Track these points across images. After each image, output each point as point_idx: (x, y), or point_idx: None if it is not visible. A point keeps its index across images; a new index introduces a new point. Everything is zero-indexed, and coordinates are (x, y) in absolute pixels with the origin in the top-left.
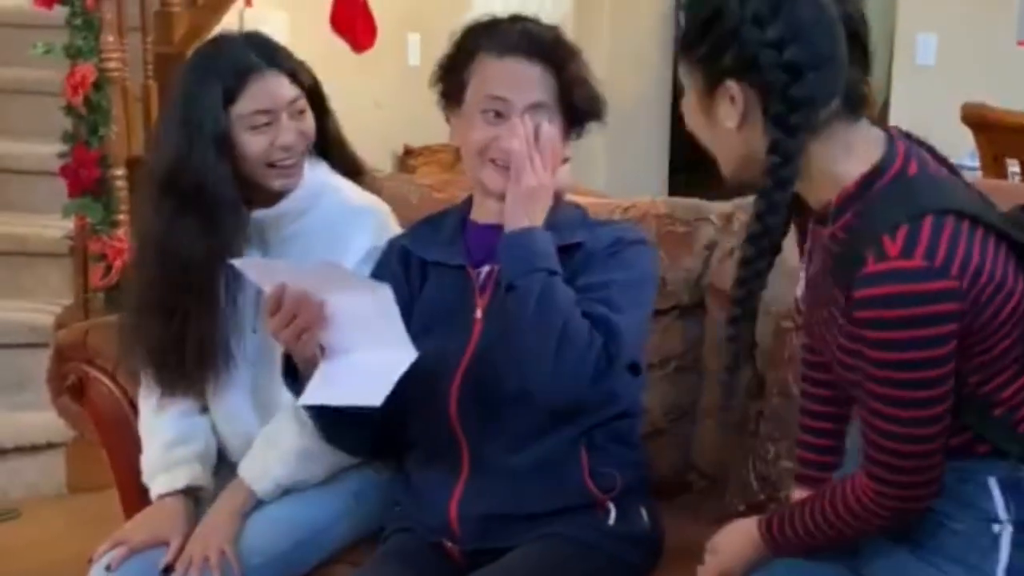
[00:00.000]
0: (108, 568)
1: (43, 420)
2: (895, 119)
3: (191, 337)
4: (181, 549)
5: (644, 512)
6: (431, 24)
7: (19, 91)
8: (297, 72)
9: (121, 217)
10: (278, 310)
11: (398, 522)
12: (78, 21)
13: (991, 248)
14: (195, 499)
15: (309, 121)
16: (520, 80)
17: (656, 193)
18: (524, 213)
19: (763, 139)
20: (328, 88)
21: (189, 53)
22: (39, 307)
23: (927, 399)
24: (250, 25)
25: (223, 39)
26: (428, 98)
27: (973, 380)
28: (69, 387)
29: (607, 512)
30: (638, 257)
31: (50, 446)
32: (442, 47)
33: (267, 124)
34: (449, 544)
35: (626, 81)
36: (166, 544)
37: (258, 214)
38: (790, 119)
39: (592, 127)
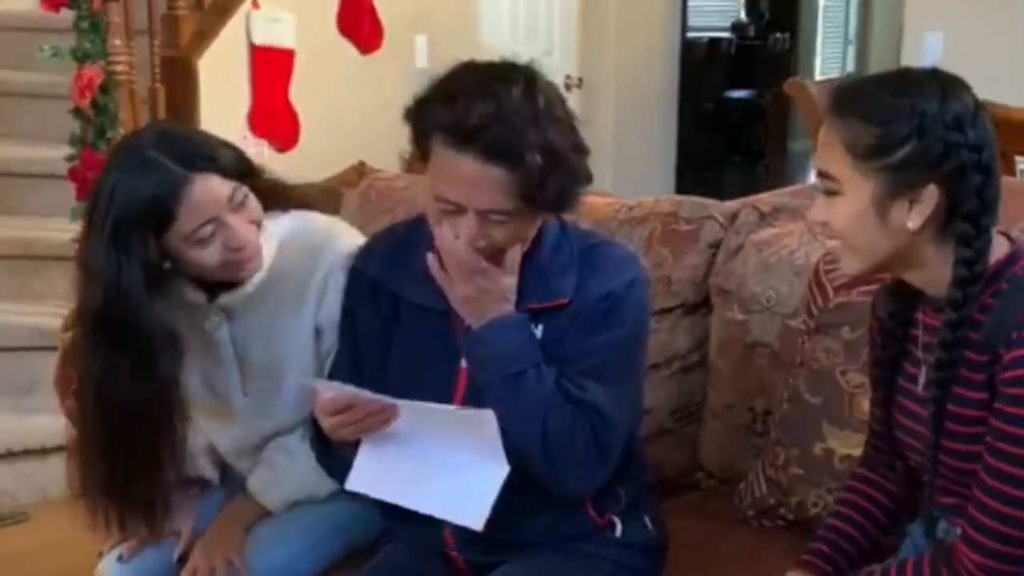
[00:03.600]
0: (120, 559)
1: (51, 423)
2: None
3: (137, 480)
4: (191, 539)
5: (648, 520)
6: (439, 26)
7: (26, 95)
8: (221, 162)
9: None
10: (339, 412)
11: (395, 533)
12: (85, 24)
13: None
14: (203, 491)
15: (253, 205)
16: (473, 187)
17: (663, 191)
18: (476, 314)
19: (935, 239)
20: (335, 90)
21: (107, 168)
22: (47, 310)
23: None
24: (258, 27)
25: (138, 153)
26: None
27: None
28: (75, 390)
29: (613, 528)
30: (630, 311)
31: (59, 449)
32: (449, 49)
33: (213, 233)
34: (453, 553)
35: (634, 80)
36: (177, 534)
37: (225, 299)
38: (981, 219)
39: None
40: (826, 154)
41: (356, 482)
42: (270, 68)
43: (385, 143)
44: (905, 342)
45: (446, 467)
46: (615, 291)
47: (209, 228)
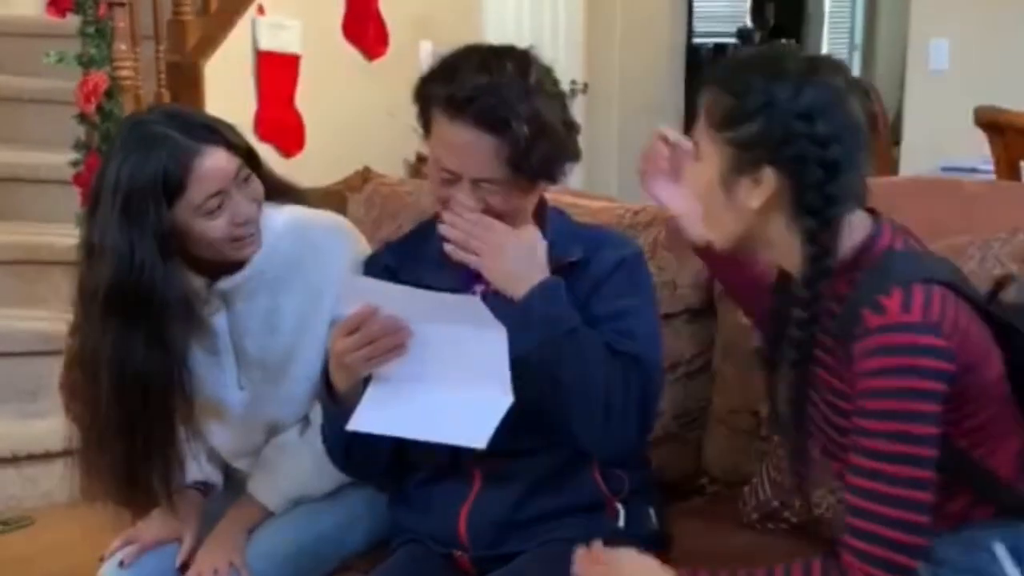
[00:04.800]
0: (121, 565)
1: (56, 428)
2: (909, 125)
3: (156, 454)
4: (194, 546)
5: (652, 513)
6: (443, 31)
7: (32, 100)
8: (227, 137)
9: None
10: (354, 332)
11: (405, 535)
12: (90, 30)
13: (974, 318)
14: (206, 497)
15: (256, 184)
16: (467, 154)
17: None
18: (514, 280)
19: (785, 225)
20: (340, 95)
21: (113, 147)
22: (52, 315)
23: (915, 456)
24: (264, 32)
25: (146, 129)
26: None
27: (964, 443)
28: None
29: (616, 514)
30: (643, 275)
31: (63, 454)
32: None
33: (220, 206)
34: (458, 553)
35: (638, 85)
36: (179, 540)
37: (224, 284)
38: (827, 212)
39: (604, 131)
40: (697, 124)
41: (359, 421)
42: (276, 74)
43: (390, 149)
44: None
45: (450, 393)
46: (628, 257)
47: (216, 200)
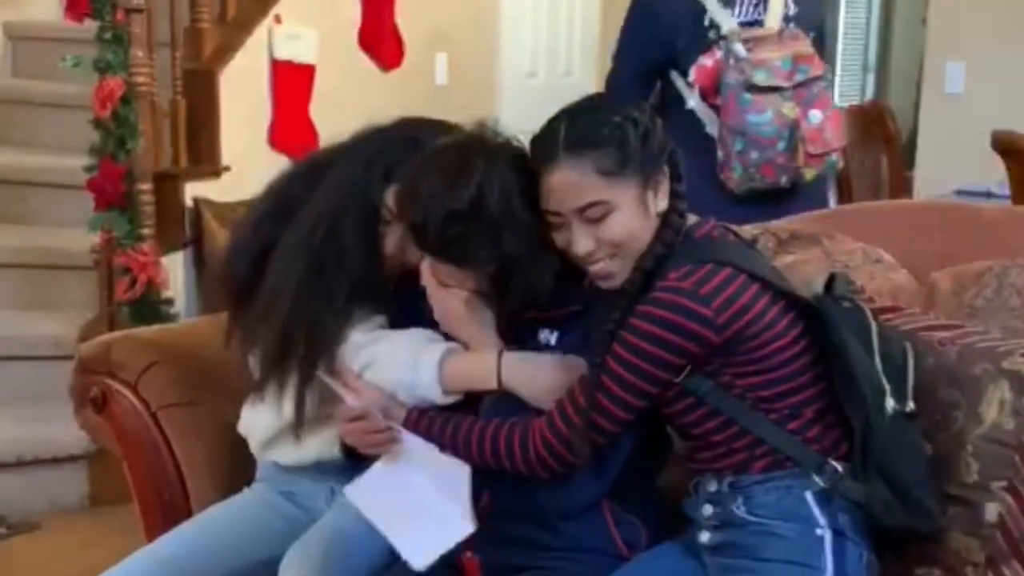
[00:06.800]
0: None
1: (66, 433)
2: (923, 147)
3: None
4: None
5: None
6: (459, 44)
7: (48, 104)
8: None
9: (146, 231)
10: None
11: None
12: (108, 35)
13: (763, 298)
14: None
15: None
16: (445, 276)
17: None
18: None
19: (651, 223)
20: (355, 106)
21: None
22: (64, 320)
23: (632, 384)
24: (280, 41)
25: (423, 126)
26: (455, 117)
27: (763, 406)
28: (91, 399)
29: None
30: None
31: (73, 459)
32: (469, 67)
33: (388, 222)
34: (468, 555)
35: None
36: None
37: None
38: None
39: None
40: (584, 190)
41: (353, 493)
42: (291, 83)
43: None
44: None
45: (419, 505)
46: None
47: (386, 214)
